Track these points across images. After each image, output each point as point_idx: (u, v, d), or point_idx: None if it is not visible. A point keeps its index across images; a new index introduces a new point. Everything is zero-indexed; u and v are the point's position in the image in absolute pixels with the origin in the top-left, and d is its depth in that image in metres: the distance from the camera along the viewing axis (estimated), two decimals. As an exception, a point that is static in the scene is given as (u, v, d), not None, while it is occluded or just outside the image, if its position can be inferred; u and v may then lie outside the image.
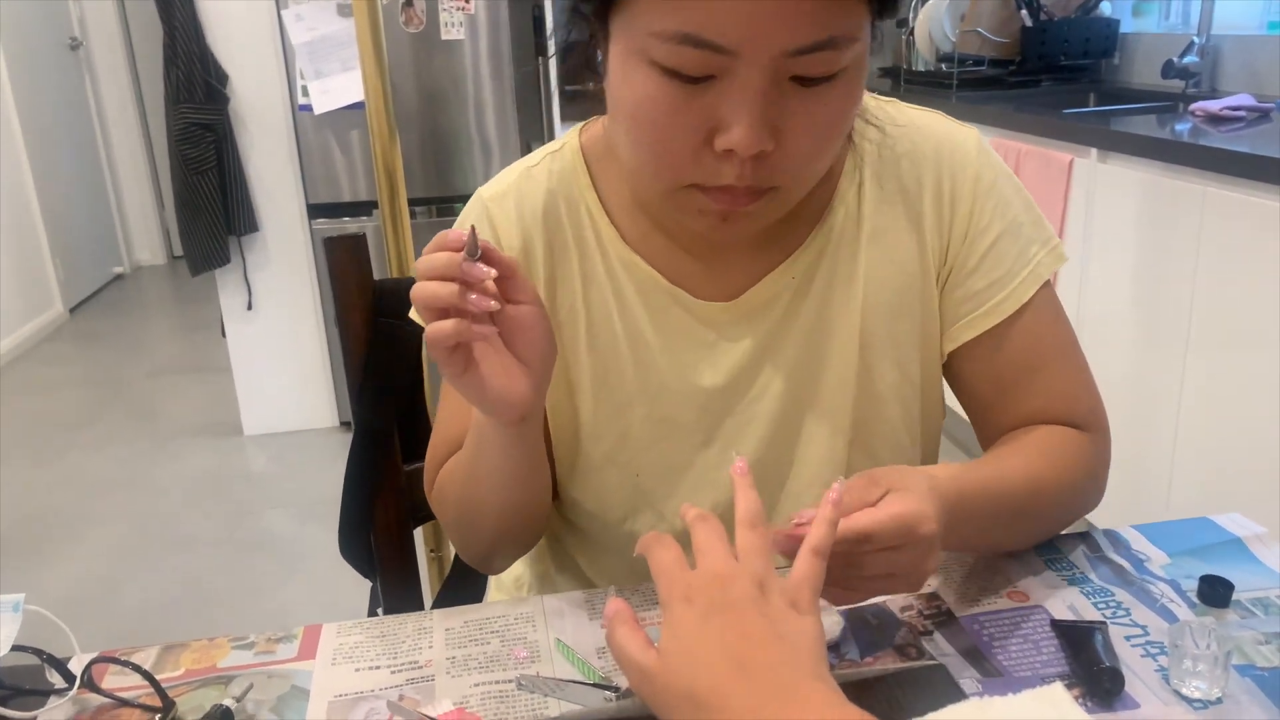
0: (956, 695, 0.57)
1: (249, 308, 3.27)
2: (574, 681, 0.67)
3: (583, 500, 0.88)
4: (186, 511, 2.90)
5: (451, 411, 0.87)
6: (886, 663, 0.70)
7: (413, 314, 0.64)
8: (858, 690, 0.52)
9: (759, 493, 0.76)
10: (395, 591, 1.16)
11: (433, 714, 0.64)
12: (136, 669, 0.68)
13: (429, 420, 1.18)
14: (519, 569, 1.07)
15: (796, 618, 0.54)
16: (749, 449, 0.84)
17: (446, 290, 0.64)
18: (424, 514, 1.19)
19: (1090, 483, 0.83)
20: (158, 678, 0.70)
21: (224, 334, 3.32)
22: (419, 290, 0.65)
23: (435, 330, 0.65)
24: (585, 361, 0.84)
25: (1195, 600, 0.75)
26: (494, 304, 0.65)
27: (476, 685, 0.69)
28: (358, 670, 0.72)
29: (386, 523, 1.13)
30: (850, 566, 0.62)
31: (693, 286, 0.82)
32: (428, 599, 1.20)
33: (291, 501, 2.91)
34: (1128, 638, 0.71)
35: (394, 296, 1.09)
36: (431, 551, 1.70)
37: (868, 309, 0.82)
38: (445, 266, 0.64)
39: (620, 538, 0.87)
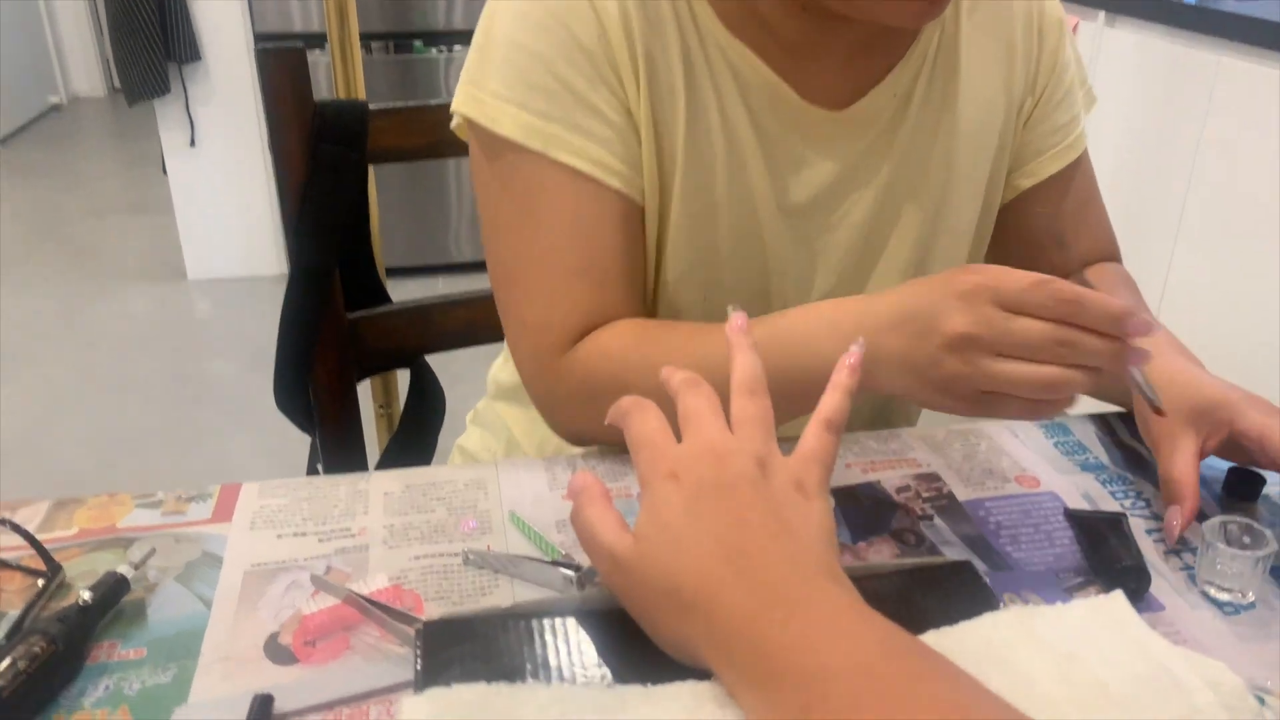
0: (987, 600, 0.50)
1: (191, 144, 3.07)
2: (528, 558, 0.59)
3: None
4: (125, 357, 2.77)
5: (598, 243, 0.69)
6: (881, 550, 0.62)
7: (1015, 370, 0.51)
8: (867, 589, 0.44)
9: None
10: (337, 449, 1.07)
11: (363, 591, 0.56)
12: (15, 528, 0.58)
13: (374, 262, 1.07)
14: (483, 434, 0.98)
15: (803, 502, 0.45)
16: (819, 284, 0.77)
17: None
18: (371, 365, 1.10)
19: None
20: (48, 537, 0.61)
21: (165, 171, 3.12)
22: (1083, 340, 0.51)
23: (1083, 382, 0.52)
24: (681, 158, 0.71)
25: (1220, 492, 0.68)
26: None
27: (416, 559, 0.60)
28: (280, 537, 0.63)
29: (327, 374, 1.03)
30: None
31: (795, 85, 0.72)
32: (374, 459, 1.12)
33: (237, 350, 2.78)
34: (1149, 531, 0.64)
35: (337, 121, 0.97)
36: (380, 407, 1.61)
37: (960, 138, 0.77)
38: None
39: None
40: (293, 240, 0.99)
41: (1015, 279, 0.52)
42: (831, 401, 0.49)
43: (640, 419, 0.48)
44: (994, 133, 0.79)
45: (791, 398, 0.59)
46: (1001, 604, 0.49)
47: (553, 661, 0.43)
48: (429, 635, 0.44)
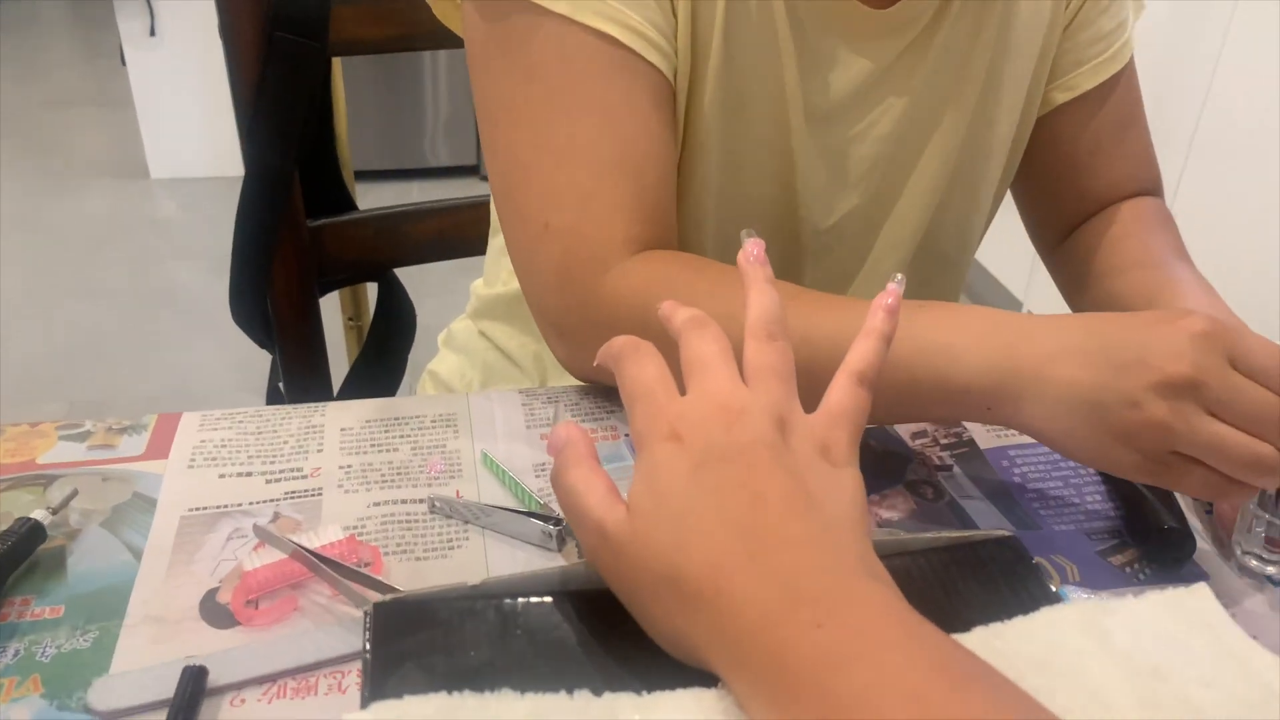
0: (1039, 586, 0.43)
1: (151, 33, 2.90)
2: (502, 508, 0.52)
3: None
4: (86, 258, 2.65)
5: (634, 128, 0.59)
6: (896, 504, 0.56)
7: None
8: (896, 568, 0.37)
9: (840, 252, 0.62)
10: (298, 367, 0.99)
11: (314, 543, 0.49)
12: (-88, 465, 0.51)
13: (339, 164, 0.98)
14: (458, 359, 0.90)
15: (830, 470, 0.38)
16: (844, 202, 0.70)
17: None
18: (334, 278, 1.02)
19: None
20: (-43, 472, 0.54)
21: (124, 62, 2.96)
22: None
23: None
24: (717, 40, 0.61)
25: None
26: None
27: (376, 505, 0.54)
28: (222, 477, 0.56)
29: (286, 286, 0.95)
30: None
31: None
32: (341, 376, 1.04)
33: (202, 253, 2.67)
34: (1188, 488, 0.58)
35: (294, 6, 0.87)
36: (350, 320, 1.53)
37: (1002, 42, 0.69)
38: None
39: None
40: (247, 139, 0.90)
41: (1257, 337, 0.45)
42: (864, 350, 0.42)
43: (636, 365, 0.41)
44: (1041, 34, 0.70)
45: (911, 404, 0.51)
46: (1057, 591, 0.43)
47: (529, 657, 0.36)
48: (380, 619, 0.37)
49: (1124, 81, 0.74)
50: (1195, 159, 1.78)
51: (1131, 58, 0.74)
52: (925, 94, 0.68)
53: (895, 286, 0.44)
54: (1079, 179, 0.76)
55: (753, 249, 0.45)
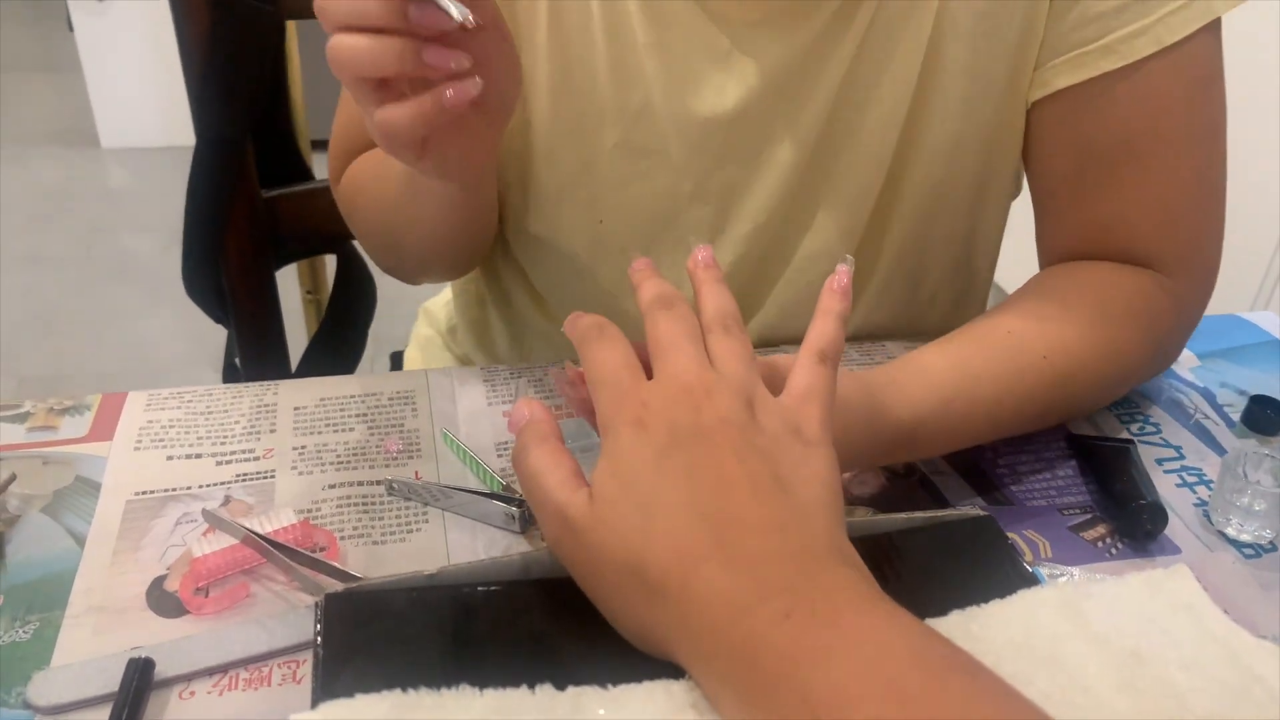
0: (1014, 568, 0.41)
1: (100, -4, 2.80)
2: (463, 489, 0.50)
3: (541, 236, 0.66)
4: (34, 230, 2.57)
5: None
6: (868, 481, 0.55)
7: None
8: (868, 552, 0.36)
9: (751, 279, 0.61)
10: (254, 341, 0.97)
11: (266, 527, 0.47)
12: None
13: (294, 132, 0.95)
14: (448, 312, 0.88)
15: (802, 450, 0.37)
16: (748, 215, 0.63)
17: (386, 51, 0.43)
18: (291, 250, 0.99)
19: (1152, 361, 0.60)
20: (-112, 456, 0.51)
21: (71, 27, 2.86)
22: (340, 51, 0.43)
23: (391, 120, 0.45)
24: (544, 50, 0.59)
25: (1234, 419, 0.62)
26: (466, 61, 0.44)
27: (331, 488, 0.52)
28: (170, 459, 0.53)
29: (240, 258, 0.93)
30: None
31: None
32: (300, 350, 1.02)
33: (158, 225, 2.60)
34: (1159, 461, 0.58)
35: (245, -35, 0.84)
36: (308, 293, 1.49)
37: (944, 19, 0.57)
38: (380, 13, 0.42)
39: (584, 292, 0.68)
40: (197, 105, 0.87)
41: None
42: (821, 329, 0.41)
43: (601, 348, 0.39)
44: (1017, 4, 0.56)
45: None
46: (1031, 570, 0.42)
47: (489, 650, 0.35)
48: (331, 611, 0.36)
49: (1145, 85, 0.55)
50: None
51: (1180, 62, 0.55)
52: (848, 85, 0.59)
53: (845, 267, 0.44)
54: (1051, 203, 0.63)
55: (700, 254, 0.45)
